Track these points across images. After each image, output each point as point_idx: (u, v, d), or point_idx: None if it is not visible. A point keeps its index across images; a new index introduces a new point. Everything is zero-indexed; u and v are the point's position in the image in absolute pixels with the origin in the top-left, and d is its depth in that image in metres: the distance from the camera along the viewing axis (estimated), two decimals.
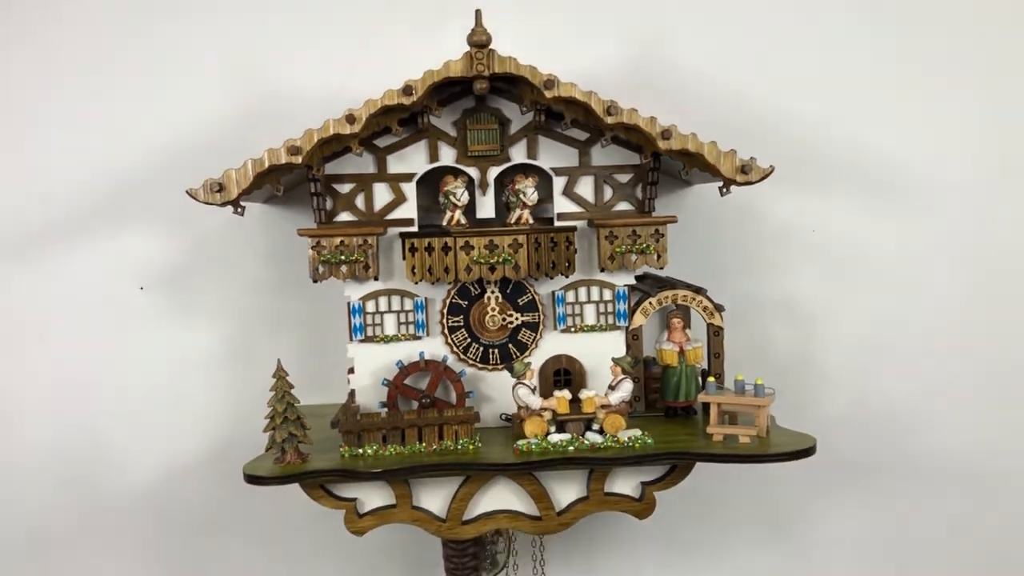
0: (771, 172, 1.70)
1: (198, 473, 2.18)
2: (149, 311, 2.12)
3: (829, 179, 2.16)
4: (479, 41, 1.64)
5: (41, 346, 2.13)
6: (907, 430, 2.25)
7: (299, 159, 1.64)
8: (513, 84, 1.73)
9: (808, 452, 1.67)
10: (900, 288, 2.20)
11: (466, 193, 1.80)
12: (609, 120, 1.67)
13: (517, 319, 1.86)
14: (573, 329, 1.87)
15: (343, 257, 1.77)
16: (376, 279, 1.80)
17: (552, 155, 1.85)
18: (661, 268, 1.83)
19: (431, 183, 1.84)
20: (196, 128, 2.08)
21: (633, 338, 1.90)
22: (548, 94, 1.65)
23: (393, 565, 2.27)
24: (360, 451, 1.71)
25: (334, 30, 2.08)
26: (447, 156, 1.84)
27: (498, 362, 1.87)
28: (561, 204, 1.86)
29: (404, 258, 1.79)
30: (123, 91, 2.08)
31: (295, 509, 2.17)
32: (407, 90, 1.65)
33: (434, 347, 1.86)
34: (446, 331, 1.86)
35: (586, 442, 1.72)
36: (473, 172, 1.83)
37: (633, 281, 1.88)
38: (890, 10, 2.14)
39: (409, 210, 1.83)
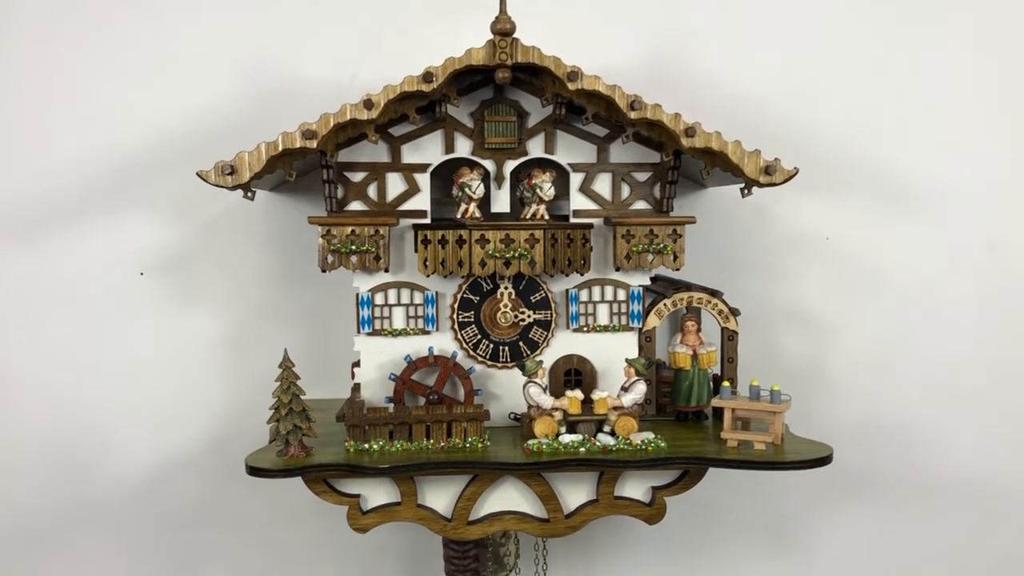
0: (795, 174, 1.67)
1: (195, 465, 2.12)
2: (150, 298, 2.06)
3: (845, 187, 2.14)
4: (503, 29, 1.59)
5: (38, 331, 2.06)
6: (917, 443, 2.22)
7: (314, 143, 1.60)
8: (535, 75, 1.70)
9: (825, 461, 1.64)
10: (913, 299, 2.18)
11: (482, 186, 1.77)
12: (632, 115, 1.63)
13: (529, 317, 1.82)
14: (585, 329, 1.84)
15: (354, 247, 1.72)
16: (386, 271, 1.76)
17: (570, 151, 1.81)
18: (677, 269, 1.80)
19: (443, 176, 1.80)
20: (202, 113, 2.02)
21: (646, 340, 1.86)
22: (571, 86, 1.61)
23: (392, 565, 2.21)
24: (366, 446, 1.66)
25: (345, 16, 2.04)
26: (463, 148, 1.80)
27: (508, 360, 1.83)
28: (577, 201, 1.82)
29: (416, 250, 1.75)
30: (128, 74, 2.02)
31: (293, 506, 2.13)
32: (427, 77, 1.60)
33: (443, 342, 1.81)
34: (456, 326, 1.81)
35: (598, 444, 1.68)
36: (489, 165, 1.79)
37: (648, 282, 1.85)
38: (914, 20, 2.11)
39: (422, 201, 1.79)
